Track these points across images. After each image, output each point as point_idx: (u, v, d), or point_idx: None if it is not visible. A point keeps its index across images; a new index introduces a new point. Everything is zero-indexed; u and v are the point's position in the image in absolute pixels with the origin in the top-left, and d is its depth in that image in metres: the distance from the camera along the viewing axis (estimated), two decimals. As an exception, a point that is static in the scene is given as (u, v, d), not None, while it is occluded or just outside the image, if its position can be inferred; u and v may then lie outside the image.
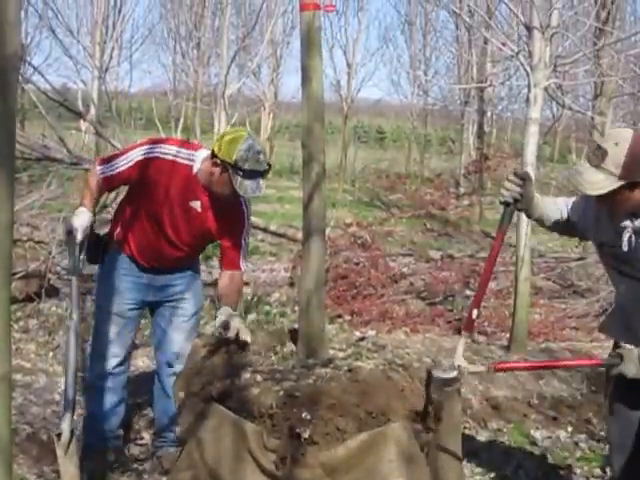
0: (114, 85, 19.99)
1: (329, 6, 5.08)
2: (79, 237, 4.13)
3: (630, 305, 3.57)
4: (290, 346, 4.51)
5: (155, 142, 4.39)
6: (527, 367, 4.23)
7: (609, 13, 11.22)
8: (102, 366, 4.59)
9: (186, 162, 4.26)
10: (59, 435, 4.02)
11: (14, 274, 6.90)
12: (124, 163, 4.28)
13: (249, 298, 8.24)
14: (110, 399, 4.65)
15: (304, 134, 4.20)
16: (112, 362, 4.59)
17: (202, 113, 22.07)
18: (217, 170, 4.14)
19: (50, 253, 7.75)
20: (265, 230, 11.57)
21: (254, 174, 4.08)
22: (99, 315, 4.60)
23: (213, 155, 4.15)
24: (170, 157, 4.26)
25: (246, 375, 4.10)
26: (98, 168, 4.36)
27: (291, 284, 9.46)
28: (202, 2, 21.04)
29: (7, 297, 2.41)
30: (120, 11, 15.41)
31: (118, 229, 4.50)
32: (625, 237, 3.37)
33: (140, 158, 4.26)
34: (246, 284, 8.87)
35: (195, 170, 4.25)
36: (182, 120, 23.72)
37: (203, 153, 4.29)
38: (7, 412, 2.46)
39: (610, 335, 3.87)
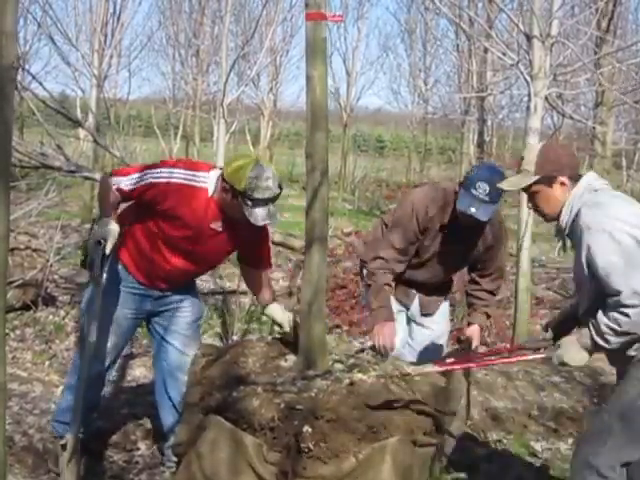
0: (113, 93, 19.89)
1: (336, 16, 5.01)
2: (108, 248, 4.09)
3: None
4: (290, 357, 4.46)
5: (168, 165, 4.30)
6: (468, 365, 4.62)
7: (610, 22, 11.20)
8: (90, 371, 4.34)
9: (200, 185, 4.21)
10: (64, 446, 4.01)
11: (11, 282, 6.86)
12: (138, 181, 4.21)
13: (247, 307, 8.20)
14: (87, 401, 4.37)
15: (307, 144, 4.17)
16: (100, 369, 4.47)
17: (201, 121, 22.08)
18: (228, 196, 4.13)
19: (48, 261, 7.71)
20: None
21: (264, 202, 4.08)
22: (92, 325, 4.35)
23: (223, 179, 4.14)
24: (183, 181, 4.19)
25: (245, 386, 4.05)
26: (113, 179, 4.26)
27: (290, 294, 9.40)
28: (201, 10, 21.02)
29: (3, 306, 2.42)
30: (119, 19, 15.27)
31: (121, 245, 4.39)
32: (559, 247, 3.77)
33: (154, 180, 4.18)
34: (244, 293, 8.82)
35: (210, 192, 4.21)
36: (181, 128, 23.70)
37: (215, 174, 4.25)
38: (2, 421, 2.46)
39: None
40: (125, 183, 4.22)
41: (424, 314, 5.27)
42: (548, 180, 3.66)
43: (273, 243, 11.54)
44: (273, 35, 20.10)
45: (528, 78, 6.90)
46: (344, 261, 10.72)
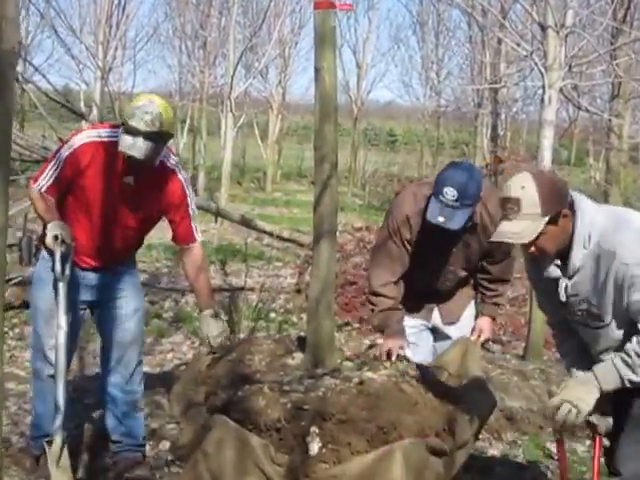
0: (117, 86, 19.79)
1: (345, 5, 4.93)
2: (68, 240, 3.99)
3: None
4: (298, 355, 4.35)
5: (75, 134, 4.32)
6: None
7: (627, 12, 11.05)
8: (43, 371, 4.41)
9: (111, 139, 4.19)
10: (49, 443, 3.90)
11: (10, 280, 6.79)
12: (55, 168, 4.19)
13: (254, 305, 8.12)
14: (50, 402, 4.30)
15: (316, 136, 4.13)
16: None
17: (208, 115, 21.98)
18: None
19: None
20: (271, 235, 11.44)
21: (135, 131, 4.03)
22: (37, 319, 4.43)
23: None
24: (95, 139, 4.20)
25: (251, 385, 3.96)
26: (34, 186, 4.22)
27: (297, 291, 9.33)
28: (208, 1, 20.88)
29: (1, 303, 2.39)
30: (124, 10, 15.24)
31: None
32: (562, 286, 3.41)
33: (68, 153, 4.17)
34: (251, 290, 8.75)
35: (119, 146, 4.18)
36: (188, 122, 23.64)
37: (121, 129, 4.25)
38: (-1, 422, 2.38)
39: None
40: (45, 181, 4.20)
41: (447, 323, 4.85)
42: (555, 218, 3.27)
43: (280, 239, 11.53)
44: (281, 26, 20.07)
45: (542, 69, 6.79)
46: (355, 257, 10.59)
